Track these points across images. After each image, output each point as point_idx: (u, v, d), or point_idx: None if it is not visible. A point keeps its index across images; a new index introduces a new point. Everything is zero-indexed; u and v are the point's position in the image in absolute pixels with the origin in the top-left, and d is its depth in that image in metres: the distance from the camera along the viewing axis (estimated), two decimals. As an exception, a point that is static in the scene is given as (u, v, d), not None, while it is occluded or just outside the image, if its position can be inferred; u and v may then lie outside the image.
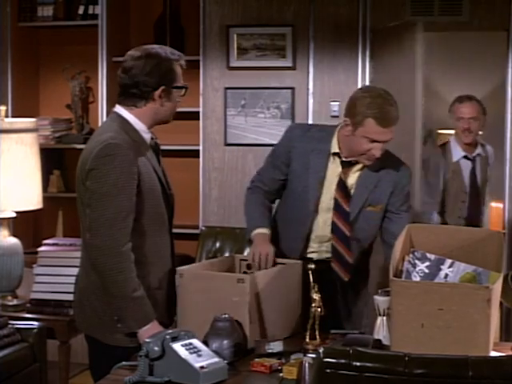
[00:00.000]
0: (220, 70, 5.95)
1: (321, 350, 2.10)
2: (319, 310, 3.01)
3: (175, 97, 3.15)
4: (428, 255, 2.95)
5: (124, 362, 2.82)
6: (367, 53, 5.69)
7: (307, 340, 3.00)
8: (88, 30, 6.00)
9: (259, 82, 5.89)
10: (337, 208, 3.53)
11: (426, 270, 2.90)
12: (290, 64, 5.85)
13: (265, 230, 3.53)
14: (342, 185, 3.52)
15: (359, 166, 3.52)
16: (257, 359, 2.87)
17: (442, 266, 2.91)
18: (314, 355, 2.74)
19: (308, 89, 5.87)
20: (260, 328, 3.10)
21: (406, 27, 5.85)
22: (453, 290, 2.62)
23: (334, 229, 3.54)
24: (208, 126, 5.97)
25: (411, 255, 2.96)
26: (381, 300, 2.99)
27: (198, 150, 5.97)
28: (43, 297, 4.63)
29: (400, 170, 3.60)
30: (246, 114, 5.93)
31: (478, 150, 5.57)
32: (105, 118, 5.96)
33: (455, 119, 5.51)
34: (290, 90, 5.88)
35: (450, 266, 2.90)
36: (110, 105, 5.99)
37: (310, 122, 5.76)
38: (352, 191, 3.52)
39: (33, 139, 4.92)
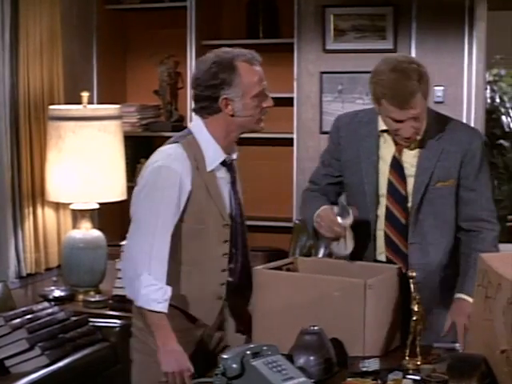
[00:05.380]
0: (316, 53, 5.85)
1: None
2: (421, 323, 2.71)
3: None
4: None
5: (198, 380, 2.67)
6: (474, 33, 5.43)
7: (407, 358, 2.74)
8: (177, 12, 5.96)
9: (357, 65, 5.70)
10: (392, 191, 3.15)
11: None
12: (390, 46, 5.69)
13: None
14: (396, 164, 3.15)
15: (416, 141, 3.13)
16: (349, 378, 2.65)
17: None
18: (415, 376, 2.50)
19: (410, 73, 5.62)
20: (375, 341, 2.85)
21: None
22: None
23: (389, 215, 3.16)
24: (302, 113, 5.87)
25: None
26: None
27: (291, 139, 5.88)
28: (126, 293, 4.56)
29: (467, 136, 3.16)
30: (343, 100, 5.81)
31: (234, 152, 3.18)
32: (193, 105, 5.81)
33: None
34: (390, 74, 5.65)
35: None
36: (199, 90, 5.87)
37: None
38: (414, 170, 3.13)
39: (116, 127, 5.01)
